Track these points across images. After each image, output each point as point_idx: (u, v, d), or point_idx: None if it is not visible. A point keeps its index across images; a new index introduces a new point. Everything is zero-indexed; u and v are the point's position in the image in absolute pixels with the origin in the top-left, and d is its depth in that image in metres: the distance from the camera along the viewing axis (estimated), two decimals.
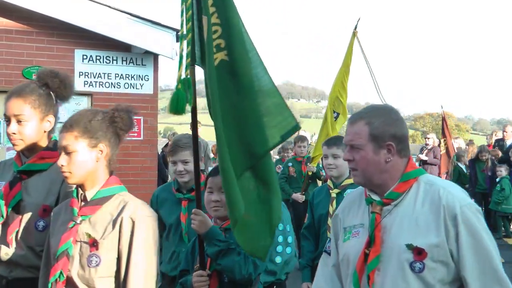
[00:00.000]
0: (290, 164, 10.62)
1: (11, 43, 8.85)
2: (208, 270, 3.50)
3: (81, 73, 9.23)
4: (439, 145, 15.23)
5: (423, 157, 15.34)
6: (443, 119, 15.94)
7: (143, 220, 2.98)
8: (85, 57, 9.28)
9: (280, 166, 12.70)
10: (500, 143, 14.99)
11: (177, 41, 9.32)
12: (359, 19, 8.89)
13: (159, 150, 14.35)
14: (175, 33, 9.29)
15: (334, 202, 5.02)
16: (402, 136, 2.80)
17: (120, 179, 9.88)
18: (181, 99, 3.44)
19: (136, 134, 9.49)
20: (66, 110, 9.16)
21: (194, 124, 3.68)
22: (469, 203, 2.66)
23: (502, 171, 12.91)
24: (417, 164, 16.11)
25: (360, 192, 2.98)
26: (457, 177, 13.85)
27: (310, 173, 9.69)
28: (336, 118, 8.79)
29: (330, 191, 5.16)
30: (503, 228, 13.27)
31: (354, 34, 8.57)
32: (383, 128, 2.75)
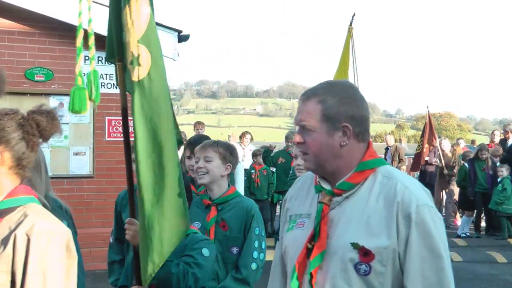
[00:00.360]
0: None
1: (14, 44, 8.89)
2: (146, 286, 3.12)
3: (83, 74, 9.24)
4: (425, 145, 15.25)
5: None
6: (429, 120, 15.82)
7: (40, 237, 2.40)
8: (87, 57, 9.27)
9: (283, 159, 12.76)
10: (502, 143, 15.01)
11: (178, 41, 9.36)
12: (354, 14, 8.79)
13: None
14: (176, 33, 9.32)
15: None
16: (361, 117, 2.42)
17: (122, 179, 9.92)
18: (83, 97, 3.17)
19: None
20: (68, 111, 9.21)
21: (125, 127, 3.57)
22: (427, 204, 2.30)
23: (504, 171, 12.92)
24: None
25: (311, 177, 2.60)
26: (463, 177, 13.83)
27: None
28: None
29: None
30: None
31: (350, 30, 8.48)
32: (339, 108, 2.38)
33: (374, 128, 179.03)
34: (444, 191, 15.47)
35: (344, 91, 2.46)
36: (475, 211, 13.90)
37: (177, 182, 3.10)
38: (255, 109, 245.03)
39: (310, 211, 2.48)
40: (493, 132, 16.21)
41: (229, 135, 31.59)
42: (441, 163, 14.78)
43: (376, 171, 2.40)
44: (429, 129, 15.24)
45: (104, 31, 9.55)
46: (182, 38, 9.44)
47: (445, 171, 14.75)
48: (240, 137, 15.48)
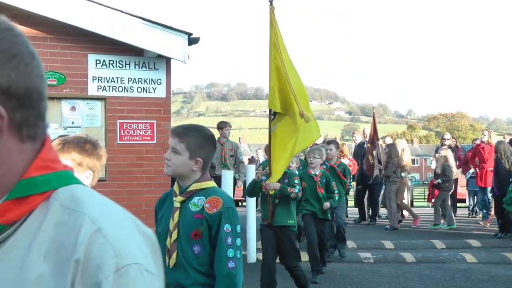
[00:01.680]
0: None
1: None
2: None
3: (94, 78, 9.30)
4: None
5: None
6: (373, 121, 15.57)
7: None
8: (98, 62, 9.36)
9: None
10: None
11: (189, 44, 9.38)
12: None
13: None
14: (187, 36, 9.33)
15: (177, 214, 3.64)
16: (26, 91, 1.24)
17: (134, 182, 9.98)
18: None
19: (149, 138, 9.56)
20: (80, 115, 9.26)
21: None
22: (138, 263, 1.17)
23: None
24: (433, 164, 15.88)
25: None
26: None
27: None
28: (272, 118, 7.07)
29: (174, 198, 3.72)
30: None
31: (271, 10, 7.09)
32: None
33: (385, 129, 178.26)
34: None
35: None
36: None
37: None
38: (265, 111, 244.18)
39: None
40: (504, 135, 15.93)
41: (239, 137, 31.63)
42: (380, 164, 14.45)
43: (51, 197, 1.26)
44: (373, 130, 14.99)
45: (115, 35, 9.57)
46: (192, 41, 9.46)
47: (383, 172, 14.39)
48: None
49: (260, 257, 10.11)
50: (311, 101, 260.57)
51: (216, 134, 11.89)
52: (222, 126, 12.47)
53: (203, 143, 3.69)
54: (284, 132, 6.94)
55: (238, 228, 3.63)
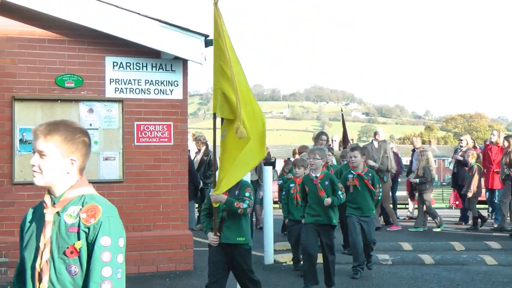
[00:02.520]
0: (350, 175, 9.23)
1: (44, 52, 9.00)
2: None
3: (111, 80, 9.34)
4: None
5: (459, 157, 15.18)
6: (343, 121, 15.47)
7: None
8: (115, 64, 9.39)
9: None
10: None
11: (206, 46, 9.39)
12: None
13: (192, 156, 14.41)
14: (203, 38, 9.34)
15: (49, 229, 3.02)
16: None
17: (151, 184, 10.00)
18: None
19: (166, 140, 9.57)
20: (98, 117, 9.30)
21: None
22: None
23: None
24: (451, 166, 15.81)
25: None
26: None
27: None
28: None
29: (45, 210, 3.09)
30: None
31: (215, 3, 6.22)
32: None
33: (402, 130, 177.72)
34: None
35: None
36: None
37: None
38: (281, 113, 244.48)
39: None
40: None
41: None
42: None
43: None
44: (343, 131, 14.83)
45: (132, 37, 9.64)
46: (209, 42, 9.47)
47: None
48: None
49: (278, 259, 10.13)
50: (327, 102, 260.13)
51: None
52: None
53: (74, 138, 3.17)
54: (233, 140, 6.08)
55: (122, 242, 3.02)
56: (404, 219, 16.53)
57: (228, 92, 6.08)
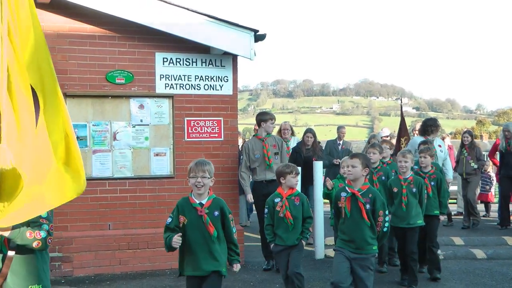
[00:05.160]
0: (343, 194, 6.49)
1: (95, 48, 9.07)
2: None
3: (162, 76, 9.36)
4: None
5: None
6: (401, 112, 14.58)
7: None
8: (165, 60, 9.41)
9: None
10: None
11: (255, 41, 9.34)
12: None
13: None
14: (253, 33, 9.29)
15: None
16: None
17: None
18: None
19: (216, 135, 9.56)
20: (149, 113, 9.34)
21: None
22: None
23: None
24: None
25: None
26: None
27: None
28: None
29: None
30: None
31: None
32: None
33: (453, 124, 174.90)
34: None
35: None
36: None
37: None
38: (331, 108, 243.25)
39: None
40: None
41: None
42: None
43: None
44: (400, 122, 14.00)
45: (181, 33, 9.62)
46: (259, 37, 9.42)
47: None
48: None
49: (328, 254, 10.02)
50: (377, 97, 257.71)
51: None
52: (265, 118, 9.60)
53: None
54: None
55: None
56: (455, 214, 16.22)
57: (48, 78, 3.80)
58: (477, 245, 11.04)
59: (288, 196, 7.08)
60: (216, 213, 5.56)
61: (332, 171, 12.53)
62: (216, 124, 9.58)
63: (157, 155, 9.41)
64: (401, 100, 16.23)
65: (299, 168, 7.91)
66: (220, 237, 5.58)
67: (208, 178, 5.56)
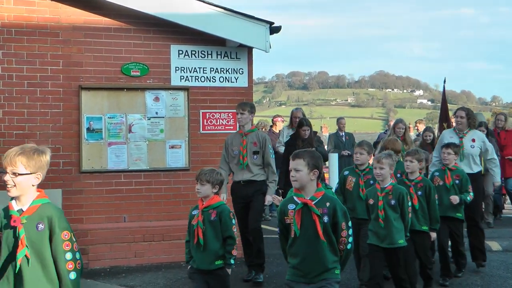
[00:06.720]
0: (291, 206, 5.13)
1: (110, 40, 9.07)
2: None
3: (177, 68, 9.35)
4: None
5: None
6: (443, 97, 13.16)
7: None
8: (181, 52, 9.40)
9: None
10: None
11: (270, 33, 9.30)
12: None
13: None
14: (268, 26, 9.26)
15: None
16: None
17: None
18: None
19: (232, 127, 9.54)
20: (164, 105, 9.33)
21: None
22: None
23: None
24: None
25: None
26: None
27: None
28: None
29: None
30: None
31: None
32: None
33: None
34: None
35: None
36: None
37: None
38: (346, 100, 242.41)
39: None
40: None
41: (321, 126, 31.50)
42: None
43: None
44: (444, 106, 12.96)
45: (197, 25, 9.59)
46: (274, 29, 9.38)
47: None
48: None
49: None
50: (392, 90, 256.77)
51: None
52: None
53: None
54: None
55: None
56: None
57: None
58: (492, 237, 10.97)
59: (204, 208, 5.74)
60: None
61: (344, 162, 12.53)
62: (232, 117, 9.56)
63: (172, 147, 9.41)
64: (445, 81, 13.62)
65: None
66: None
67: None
